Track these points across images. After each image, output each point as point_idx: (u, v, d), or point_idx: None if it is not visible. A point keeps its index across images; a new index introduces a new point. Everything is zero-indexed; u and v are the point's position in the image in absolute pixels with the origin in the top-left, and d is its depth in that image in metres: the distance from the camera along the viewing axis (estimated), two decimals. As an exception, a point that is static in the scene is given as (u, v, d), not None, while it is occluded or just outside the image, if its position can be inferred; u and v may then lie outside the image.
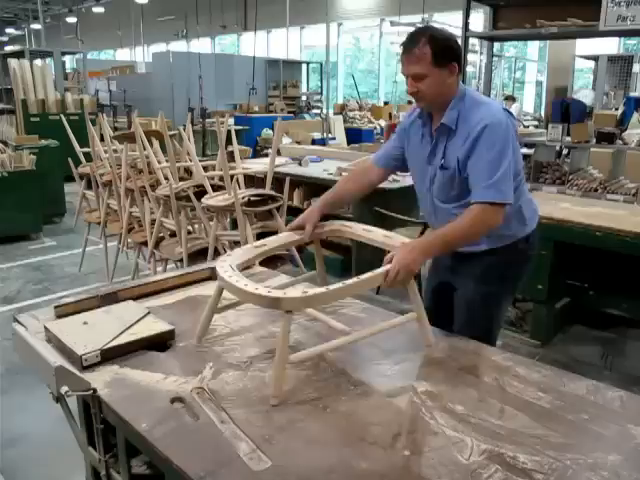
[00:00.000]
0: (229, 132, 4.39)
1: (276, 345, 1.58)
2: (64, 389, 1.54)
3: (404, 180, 4.40)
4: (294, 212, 5.13)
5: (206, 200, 3.45)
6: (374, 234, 2.00)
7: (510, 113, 1.99)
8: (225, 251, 3.32)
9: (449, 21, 12.40)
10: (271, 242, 2.04)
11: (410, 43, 1.89)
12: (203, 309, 2.06)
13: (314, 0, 17.24)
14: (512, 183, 1.89)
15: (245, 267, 2.43)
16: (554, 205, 3.89)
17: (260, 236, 2.58)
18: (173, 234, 3.96)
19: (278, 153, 5.16)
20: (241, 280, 1.65)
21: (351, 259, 4.77)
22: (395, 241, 1.90)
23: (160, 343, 1.83)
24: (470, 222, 1.85)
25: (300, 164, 5.75)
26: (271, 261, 3.00)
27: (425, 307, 1.88)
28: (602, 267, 3.62)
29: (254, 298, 1.58)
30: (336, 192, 2.23)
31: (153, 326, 1.85)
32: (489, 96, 6.40)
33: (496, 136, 1.86)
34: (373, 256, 1.99)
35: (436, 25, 10.42)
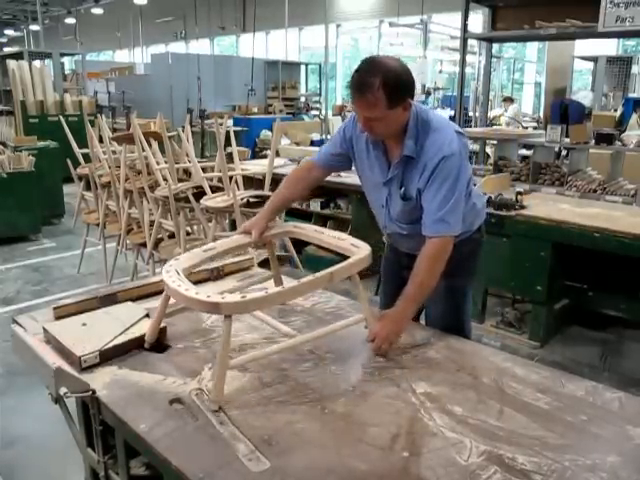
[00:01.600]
0: (228, 133, 4.39)
1: (218, 349, 1.58)
2: (63, 390, 1.54)
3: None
4: (293, 213, 5.15)
5: (205, 201, 3.45)
6: (325, 236, 2.01)
7: (462, 133, 1.99)
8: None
9: (448, 22, 12.40)
10: (220, 245, 2.02)
11: (362, 87, 1.80)
12: (204, 313, 2.07)
13: (313, 1, 17.24)
14: (461, 212, 1.93)
15: (243, 268, 2.46)
16: (553, 206, 3.89)
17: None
18: (172, 235, 3.96)
19: (277, 154, 5.16)
20: (183, 285, 1.61)
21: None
22: (345, 243, 1.91)
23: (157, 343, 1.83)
24: (427, 267, 1.90)
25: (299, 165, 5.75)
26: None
27: (388, 305, 2.01)
28: (601, 268, 3.62)
29: (193, 303, 1.55)
30: (283, 194, 2.22)
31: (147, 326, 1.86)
32: (488, 98, 6.42)
33: (450, 169, 1.86)
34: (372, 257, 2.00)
35: (435, 25, 10.37)
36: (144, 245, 4.17)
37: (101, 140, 4.75)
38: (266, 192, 3.59)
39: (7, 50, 17.09)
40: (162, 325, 1.85)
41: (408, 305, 1.91)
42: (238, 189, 3.61)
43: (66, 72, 13.60)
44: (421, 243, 1.99)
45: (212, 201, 3.43)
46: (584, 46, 10.56)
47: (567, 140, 4.70)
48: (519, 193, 3.89)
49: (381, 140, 2.01)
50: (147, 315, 1.90)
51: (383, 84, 1.77)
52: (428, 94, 10.59)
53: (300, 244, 3.70)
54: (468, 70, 6.69)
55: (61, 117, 5.72)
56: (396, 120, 1.88)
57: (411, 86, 1.89)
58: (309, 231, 2.06)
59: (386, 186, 2.06)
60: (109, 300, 2.06)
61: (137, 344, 1.79)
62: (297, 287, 1.65)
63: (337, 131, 2.21)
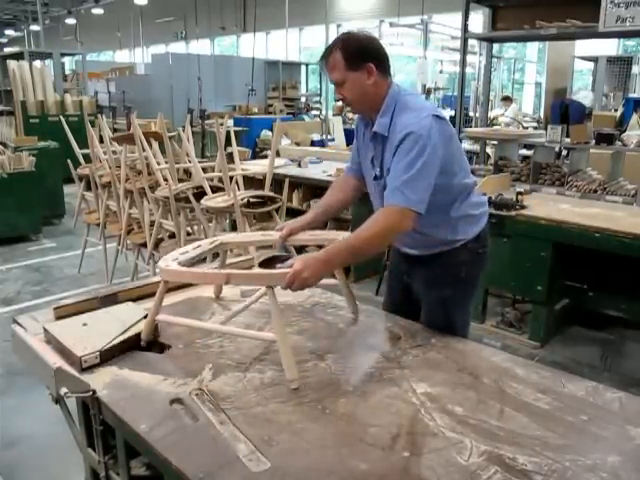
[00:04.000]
0: (228, 133, 4.39)
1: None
2: (63, 390, 1.54)
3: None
4: (293, 213, 5.15)
5: (205, 201, 3.45)
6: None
7: (442, 118, 1.91)
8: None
9: (448, 22, 12.40)
10: (233, 237, 2.15)
11: (326, 51, 1.92)
12: (203, 310, 2.07)
13: (313, 1, 17.26)
14: (425, 192, 1.80)
15: (243, 268, 2.45)
16: (553, 206, 3.89)
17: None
18: (172, 235, 3.96)
19: (277, 154, 5.16)
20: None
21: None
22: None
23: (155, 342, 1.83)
24: (375, 228, 1.80)
25: (299, 165, 5.76)
26: (271, 262, 3.00)
27: (390, 309, 2.03)
28: (601, 268, 3.62)
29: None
30: (324, 202, 2.21)
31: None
32: (488, 98, 6.41)
33: (412, 145, 1.79)
34: (372, 257, 1.99)
35: (436, 25, 10.38)
36: (144, 245, 4.18)
37: (101, 140, 4.76)
38: (266, 192, 3.59)
39: (8, 50, 17.10)
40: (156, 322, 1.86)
41: (332, 256, 1.74)
42: (238, 189, 3.61)
43: (66, 72, 13.59)
44: (416, 239, 1.99)
45: (212, 201, 3.43)
46: (584, 46, 10.55)
47: (567, 140, 4.69)
48: (519, 193, 3.89)
49: (371, 122, 1.99)
50: (147, 315, 1.90)
51: (341, 46, 1.87)
52: (428, 94, 10.58)
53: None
54: (468, 70, 6.69)
55: (61, 117, 5.73)
56: (361, 86, 1.89)
57: (374, 53, 1.91)
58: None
59: (372, 170, 2.02)
60: (109, 300, 2.06)
61: (137, 344, 1.79)
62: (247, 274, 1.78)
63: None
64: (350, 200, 2.27)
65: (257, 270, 1.80)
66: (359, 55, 1.87)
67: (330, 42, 1.96)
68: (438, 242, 2.05)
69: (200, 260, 2.04)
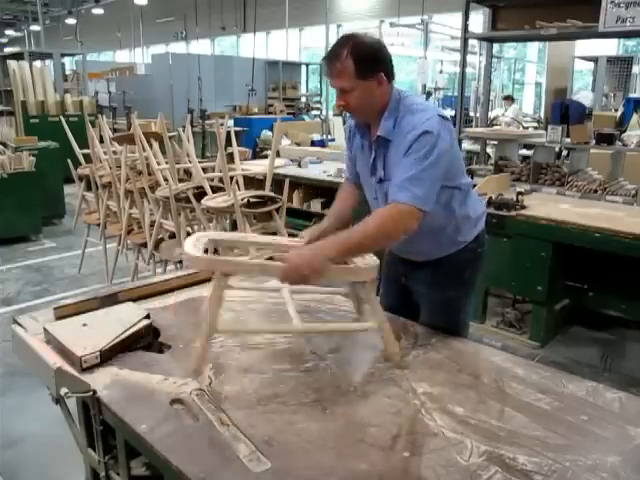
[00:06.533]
0: (228, 133, 4.40)
1: None
2: (64, 390, 1.54)
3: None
4: (293, 213, 5.15)
5: (206, 201, 3.45)
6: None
7: (446, 118, 1.87)
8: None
9: (448, 22, 12.40)
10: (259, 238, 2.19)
11: (332, 55, 1.79)
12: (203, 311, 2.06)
13: (313, 1, 17.24)
14: (432, 191, 1.77)
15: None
16: (553, 206, 3.89)
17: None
18: (173, 235, 3.96)
19: (277, 154, 5.16)
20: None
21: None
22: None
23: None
24: (379, 225, 1.73)
25: (299, 165, 5.76)
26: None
27: (388, 309, 1.96)
28: (602, 268, 3.62)
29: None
30: (335, 209, 2.17)
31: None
32: (488, 98, 6.40)
33: (426, 142, 1.75)
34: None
35: (436, 25, 10.38)
36: (145, 245, 4.18)
37: (102, 140, 4.76)
38: (267, 192, 3.59)
39: (8, 50, 17.12)
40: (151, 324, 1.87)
41: (332, 247, 1.68)
42: (239, 189, 3.61)
43: (67, 72, 13.55)
44: (414, 244, 1.95)
45: (213, 201, 3.43)
46: (585, 46, 10.54)
47: (568, 140, 4.69)
48: (520, 193, 3.89)
49: (367, 128, 1.96)
50: (148, 315, 1.91)
51: (352, 52, 1.75)
52: (429, 95, 10.57)
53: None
54: (469, 70, 6.68)
55: (62, 117, 5.72)
56: (370, 95, 1.82)
57: (385, 61, 1.84)
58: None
59: (373, 176, 1.98)
60: (110, 300, 2.06)
61: (138, 344, 1.79)
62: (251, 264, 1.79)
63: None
64: (360, 204, 2.23)
65: (250, 259, 1.82)
66: (371, 63, 1.79)
67: (334, 43, 1.84)
68: (443, 245, 2.03)
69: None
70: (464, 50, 5.25)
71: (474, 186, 4.14)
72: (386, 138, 1.87)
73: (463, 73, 5.42)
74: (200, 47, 20.76)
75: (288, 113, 14.03)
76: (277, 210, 3.48)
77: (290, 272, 1.62)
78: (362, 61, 1.77)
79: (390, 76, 1.86)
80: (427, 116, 1.80)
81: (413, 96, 1.97)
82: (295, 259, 1.63)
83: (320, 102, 15.68)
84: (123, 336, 1.78)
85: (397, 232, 1.78)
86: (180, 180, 3.93)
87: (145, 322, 1.86)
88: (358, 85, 1.79)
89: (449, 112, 10.22)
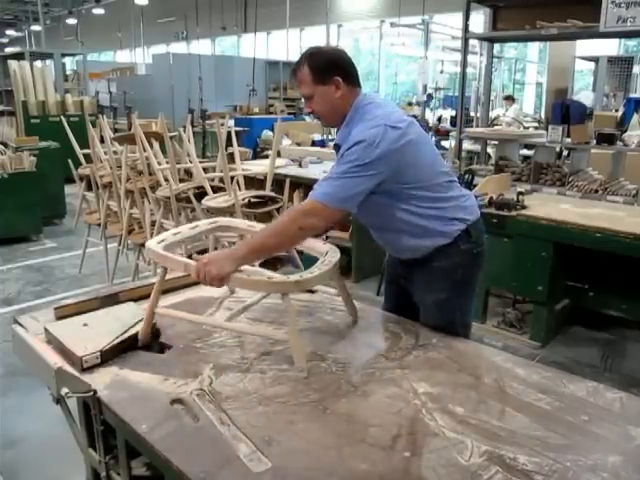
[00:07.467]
0: (229, 133, 4.40)
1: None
2: (64, 390, 1.54)
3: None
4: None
5: (206, 201, 3.45)
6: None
7: (396, 127, 1.84)
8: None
9: (449, 22, 12.40)
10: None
11: (295, 66, 1.96)
12: (204, 311, 2.07)
13: (314, 2, 17.26)
14: (350, 192, 1.79)
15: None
16: (554, 206, 3.89)
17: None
18: (173, 235, 3.96)
19: (278, 154, 5.15)
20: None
21: (351, 260, 4.77)
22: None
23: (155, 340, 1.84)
24: (279, 224, 1.85)
25: (300, 165, 5.75)
26: (271, 262, 3.00)
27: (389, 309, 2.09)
28: (602, 269, 3.62)
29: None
30: None
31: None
32: (489, 98, 6.41)
33: (351, 152, 1.80)
34: (373, 257, 1.99)
35: (436, 25, 10.37)
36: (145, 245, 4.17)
37: (102, 140, 4.76)
38: (267, 192, 3.59)
39: (8, 50, 17.14)
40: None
41: (242, 249, 1.79)
42: (239, 189, 3.62)
43: (67, 72, 13.56)
44: (396, 245, 2.06)
45: (213, 201, 3.44)
46: (585, 46, 10.54)
47: (568, 140, 4.70)
48: (520, 193, 3.88)
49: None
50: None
51: (308, 60, 1.92)
52: (430, 97, 10.55)
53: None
54: (469, 70, 6.66)
55: (62, 117, 5.72)
56: (329, 99, 1.93)
57: (341, 66, 1.94)
58: None
59: None
60: (110, 300, 2.07)
61: (125, 345, 1.80)
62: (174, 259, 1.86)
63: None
64: None
65: (174, 256, 1.87)
66: (326, 69, 1.91)
67: (300, 55, 1.99)
68: (414, 241, 2.01)
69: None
70: (465, 50, 5.25)
71: (474, 186, 4.18)
72: (340, 145, 1.95)
73: (464, 73, 5.42)
74: (201, 47, 20.78)
75: (289, 113, 14.02)
76: (278, 210, 3.48)
77: (199, 270, 1.72)
78: (317, 67, 1.91)
79: (350, 81, 1.95)
80: (370, 126, 1.84)
81: (375, 105, 1.95)
82: (207, 259, 1.75)
83: (320, 102, 15.65)
84: (124, 336, 1.78)
85: (299, 230, 1.82)
86: (181, 180, 3.94)
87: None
88: (317, 90, 1.93)
89: (450, 112, 10.23)
